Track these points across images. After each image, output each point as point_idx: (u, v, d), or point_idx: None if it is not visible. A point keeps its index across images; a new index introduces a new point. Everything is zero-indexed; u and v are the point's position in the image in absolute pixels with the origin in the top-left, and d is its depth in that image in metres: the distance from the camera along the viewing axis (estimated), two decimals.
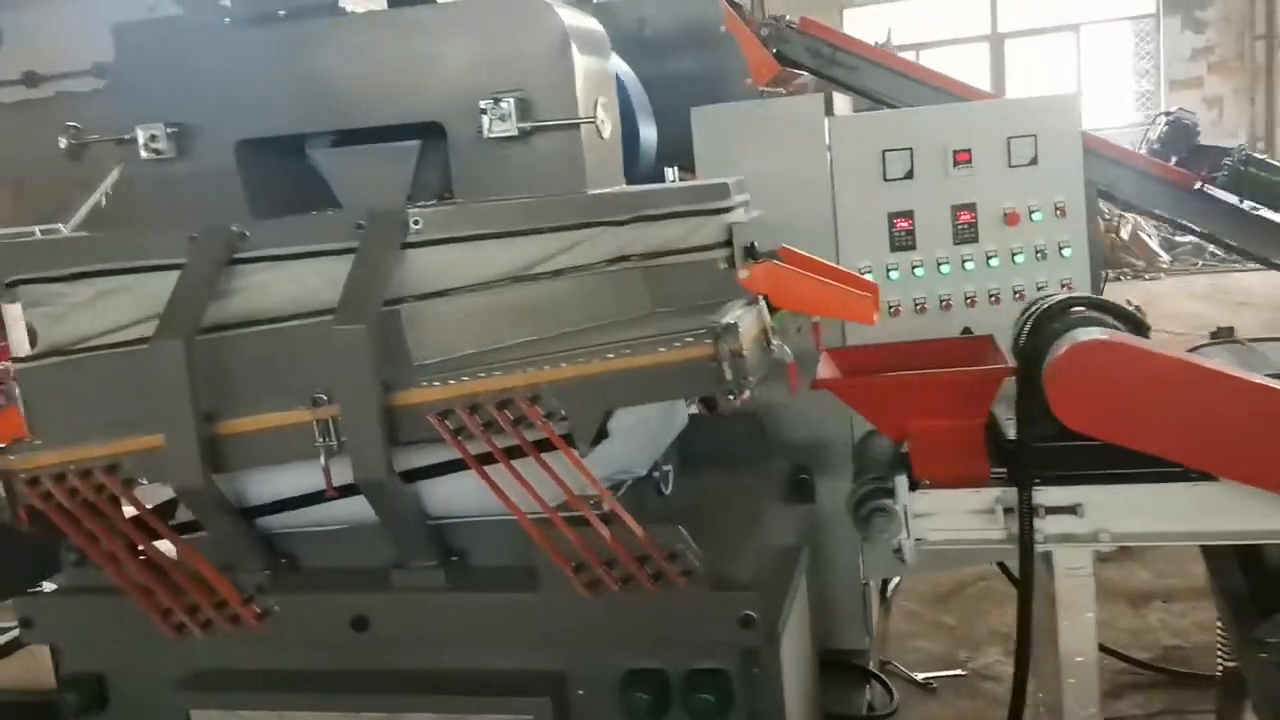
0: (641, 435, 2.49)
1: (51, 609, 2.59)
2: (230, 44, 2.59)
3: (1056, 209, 3.70)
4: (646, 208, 2.39)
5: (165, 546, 2.48)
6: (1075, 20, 16.83)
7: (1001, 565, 3.94)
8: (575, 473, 2.24)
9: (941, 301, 3.68)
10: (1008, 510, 2.20)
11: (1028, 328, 2.26)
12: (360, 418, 2.23)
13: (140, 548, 2.47)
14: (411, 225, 2.36)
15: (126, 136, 2.61)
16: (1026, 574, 2.21)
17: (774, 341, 2.35)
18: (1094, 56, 16.93)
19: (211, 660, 2.50)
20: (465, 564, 2.43)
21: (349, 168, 2.69)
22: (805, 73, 5.16)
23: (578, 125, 2.44)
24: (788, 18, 5.11)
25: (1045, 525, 2.19)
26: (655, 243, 2.39)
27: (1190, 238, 12.30)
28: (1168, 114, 5.13)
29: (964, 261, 3.68)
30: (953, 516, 2.23)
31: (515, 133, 2.41)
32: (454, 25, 2.48)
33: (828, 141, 3.62)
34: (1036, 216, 3.70)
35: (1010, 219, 3.67)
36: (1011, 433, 2.27)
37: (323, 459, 2.30)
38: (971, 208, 3.67)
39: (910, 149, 3.61)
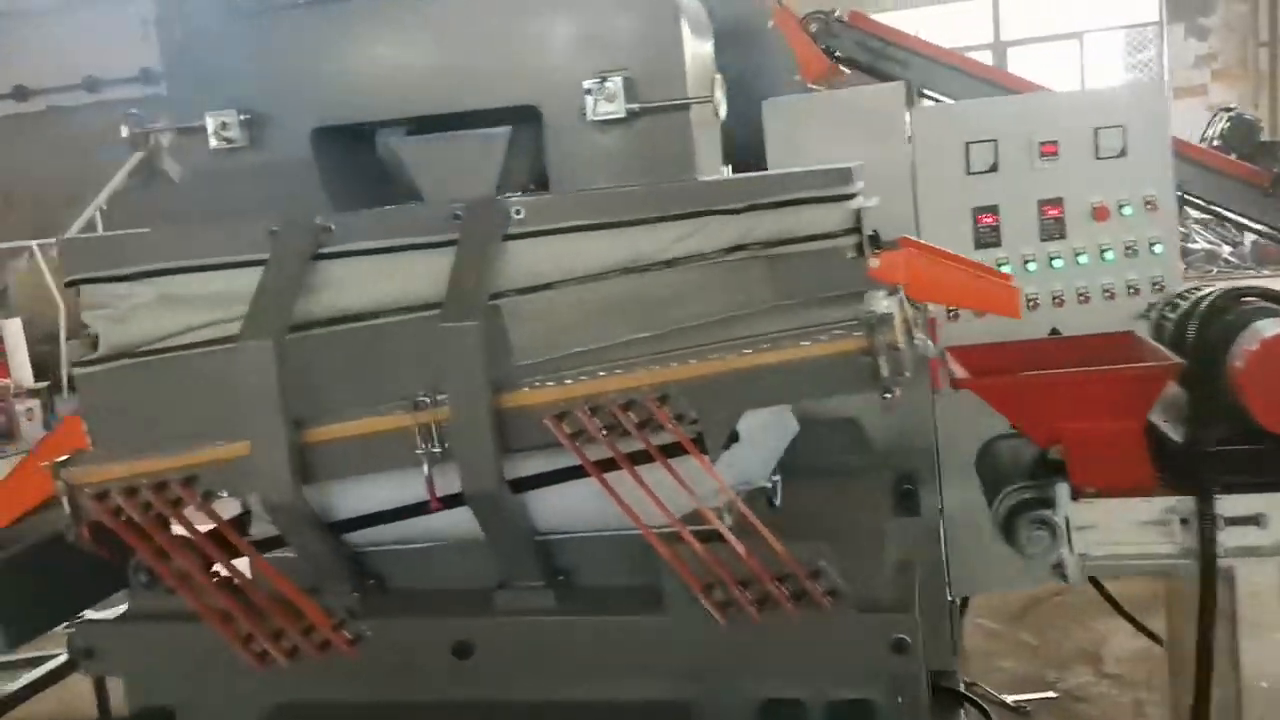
0: (766, 441, 2.31)
1: (117, 637, 2.39)
2: (307, 25, 2.41)
3: (1146, 203, 3.51)
4: (765, 194, 2.21)
5: (242, 566, 2.28)
6: (1078, 28, 16.76)
7: (1094, 580, 3.75)
8: (697, 482, 2.06)
9: (1029, 301, 3.49)
10: (1183, 521, 2.01)
11: (1194, 321, 2.08)
12: (470, 422, 2.04)
13: (217, 568, 2.27)
14: (513, 215, 2.18)
15: (194, 125, 2.42)
16: (1208, 593, 2.02)
17: (917, 335, 2.17)
18: (1097, 64, 16.86)
19: (296, 692, 2.29)
20: (573, 584, 2.24)
21: (432, 157, 2.50)
22: (852, 69, 5.00)
23: (687, 106, 2.26)
24: (836, 12, 4.94)
25: (1224, 538, 2.01)
26: (774, 231, 2.21)
27: (1202, 245, 12.26)
28: (1228, 110, 4.99)
29: (1051, 259, 3.50)
30: (1120, 529, 2.05)
31: (623, 114, 2.23)
32: (553, 2, 2.30)
33: (909, 133, 3.44)
34: (1126, 211, 3.51)
35: (1099, 214, 3.49)
36: (1175, 435, 2.09)
37: (425, 467, 2.11)
38: (1058, 202, 3.49)
39: (995, 141, 3.43)
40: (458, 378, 2.03)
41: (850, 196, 2.22)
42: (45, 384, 10.84)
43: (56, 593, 2.72)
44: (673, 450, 2.07)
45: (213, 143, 2.41)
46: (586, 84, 2.23)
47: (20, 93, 18.67)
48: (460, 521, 2.21)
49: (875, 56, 4.82)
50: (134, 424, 2.29)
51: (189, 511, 2.25)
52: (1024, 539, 2.05)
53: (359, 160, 2.58)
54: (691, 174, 2.26)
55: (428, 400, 2.10)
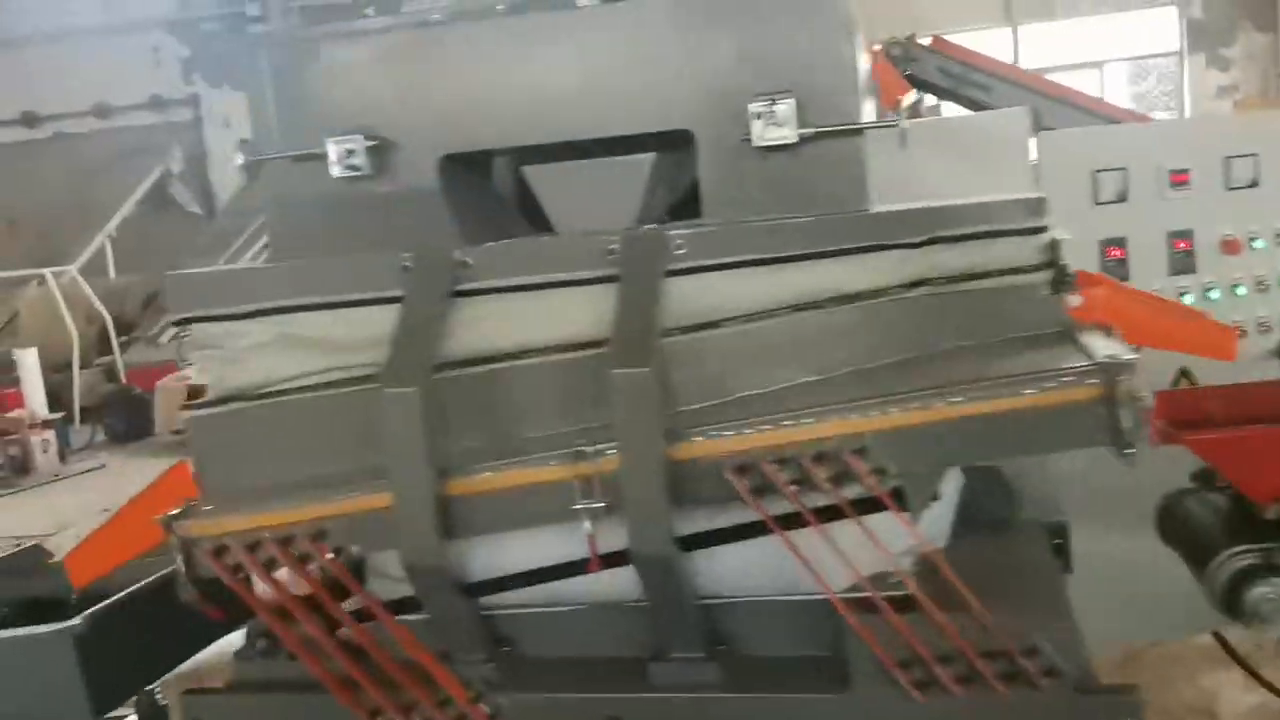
0: (951, 497, 2.11)
1: (231, 709, 2.17)
2: (440, 43, 2.23)
3: (1278, 236, 3.35)
4: (947, 226, 2.03)
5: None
6: (1099, 58, 16.68)
7: (1217, 634, 3.54)
8: (880, 544, 1.86)
9: None
10: None
11: None
12: (642, 475, 1.84)
13: (339, 633, 2.06)
14: (674, 249, 1.99)
15: (314, 152, 2.23)
16: None
17: None
18: (1118, 94, 16.76)
19: None
20: (734, 654, 2.02)
21: (567, 186, 2.30)
22: (933, 94, 4.84)
23: (861, 131, 2.08)
24: (917, 36, 4.78)
25: None
26: (958, 266, 2.03)
27: None
28: None
29: (1180, 294, 3.32)
30: None
31: (794, 140, 2.04)
32: (711, 17, 2.12)
33: (1033, 160, 3.26)
34: (1257, 244, 3.35)
35: (1229, 247, 3.32)
36: None
37: (587, 524, 1.90)
38: (1188, 235, 3.32)
39: (1125, 169, 3.26)
40: (630, 427, 1.83)
41: (1042, 229, 2.04)
42: (59, 415, 10.61)
43: (142, 654, 2.52)
44: (858, 509, 1.87)
45: (335, 171, 2.21)
46: (754, 107, 2.04)
47: (29, 119, 18.52)
48: (608, 583, 2.02)
49: (957, 82, 4.65)
50: (250, 473, 2.10)
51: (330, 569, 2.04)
52: (1255, 606, 1.85)
53: (485, 190, 2.40)
54: (865, 204, 2.07)
55: (588, 450, 1.90)
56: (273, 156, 2.27)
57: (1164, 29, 16.48)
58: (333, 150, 2.22)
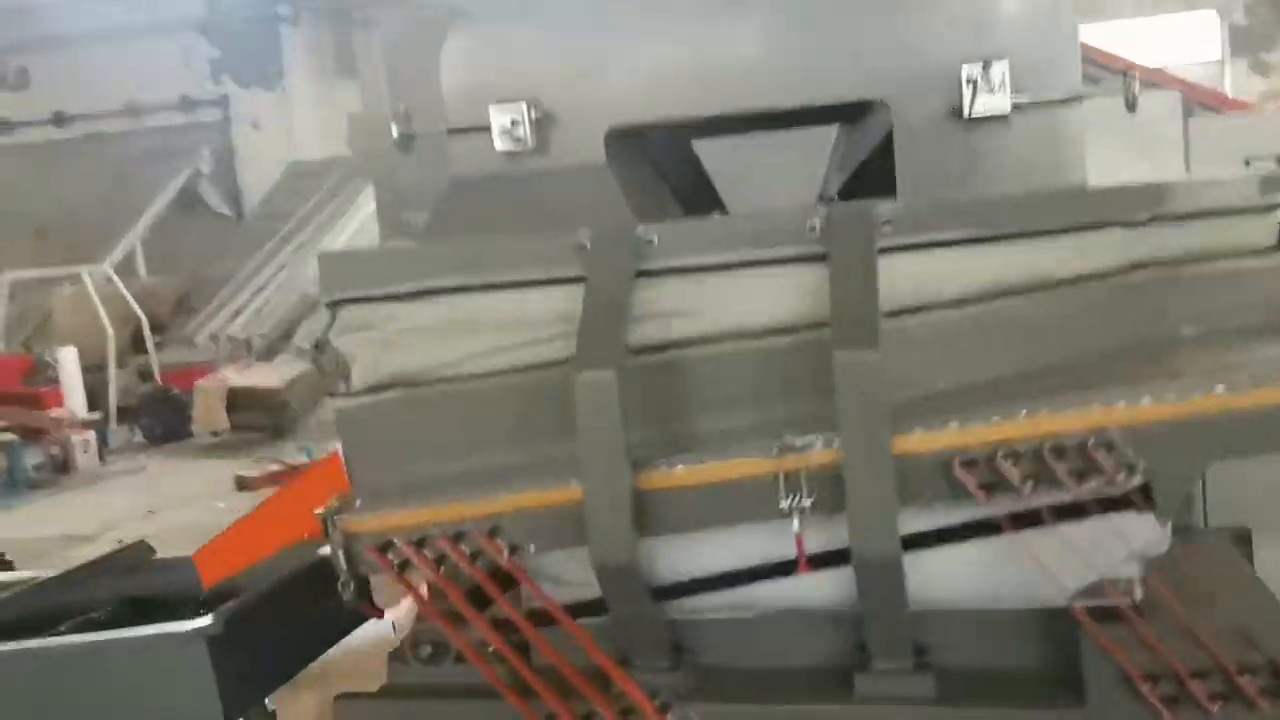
0: None
1: (385, 717, 2.02)
2: (611, 9, 2.09)
3: None
4: (1174, 205, 1.87)
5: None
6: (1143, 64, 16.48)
7: None
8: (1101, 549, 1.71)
9: None
10: None
11: None
12: (867, 470, 1.68)
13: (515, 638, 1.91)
14: (882, 226, 1.83)
15: (476, 125, 2.08)
16: None
17: None
18: None
19: None
20: (942, 666, 1.86)
21: (743, 161, 2.15)
22: None
23: (1080, 99, 1.93)
24: None
25: None
26: (1185, 246, 1.88)
27: None
28: None
29: None
30: None
31: (1008, 110, 1.89)
32: None
33: (1185, 147, 3.10)
34: None
35: None
36: None
37: (795, 523, 1.75)
38: None
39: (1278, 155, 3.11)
40: (855, 416, 1.67)
41: (1277, 207, 1.88)
42: (98, 414, 10.50)
43: (270, 655, 2.37)
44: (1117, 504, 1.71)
45: (498, 144, 2.07)
46: (966, 71, 1.89)
47: (59, 119, 18.45)
48: (790, 587, 1.87)
49: None
50: (410, 465, 1.95)
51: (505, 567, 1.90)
52: None
53: (644, 167, 2.25)
54: (1081, 179, 1.92)
55: (797, 443, 1.74)
56: (430, 131, 2.11)
57: (1205, 35, 16.30)
58: (496, 122, 2.07)
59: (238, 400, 10.29)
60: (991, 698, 1.79)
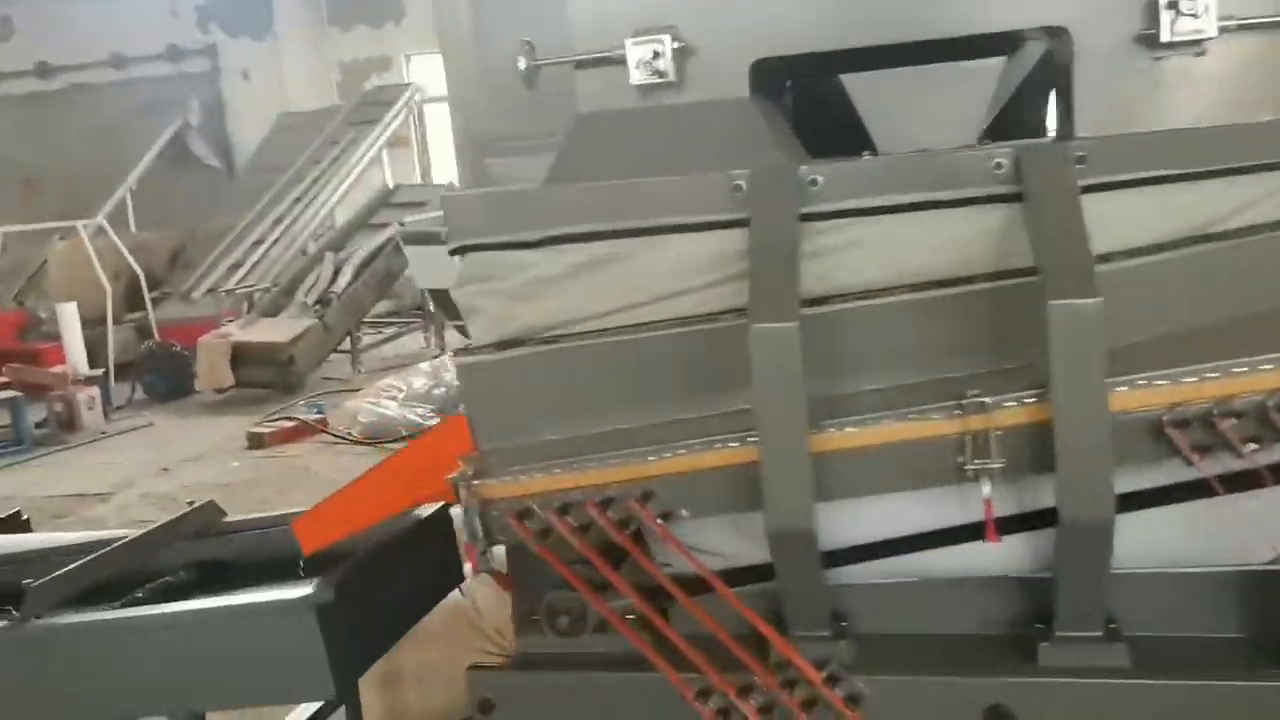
0: None
1: (526, 689, 1.89)
2: None
3: None
4: None
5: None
6: None
7: None
8: None
9: None
10: None
11: None
12: (1084, 426, 1.54)
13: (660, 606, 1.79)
14: (1076, 163, 1.69)
15: (610, 54, 1.93)
16: None
17: None
18: None
19: None
20: (1132, 635, 1.74)
21: (897, 96, 2.01)
22: None
23: None
24: None
25: None
26: None
27: None
28: None
29: None
30: None
31: (1213, 34, 1.75)
32: None
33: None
34: None
35: None
36: None
37: (986, 486, 1.62)
38: None
39: None
40: (1070, 370, 1.53)
41: None
42: (101, 371, 10.29)
43: (375, 621, 2.24)
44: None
45: (635, 77, 1.91)
46: None
47: (43, 69, 18.03)
48: (956, 554, 1.75)
49: None
50: (545, 426, 1.81)
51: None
52: None
53: (780, 103, 2.10)
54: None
55: (987, 402, 1.61)
56: (561, 60, 1.96)
57: None
58: (633, 54, 1.92)
59: (242, 356, 10.11)
60: (1189, 667, 1.67)
